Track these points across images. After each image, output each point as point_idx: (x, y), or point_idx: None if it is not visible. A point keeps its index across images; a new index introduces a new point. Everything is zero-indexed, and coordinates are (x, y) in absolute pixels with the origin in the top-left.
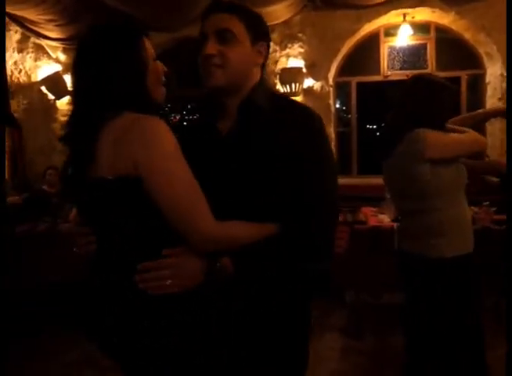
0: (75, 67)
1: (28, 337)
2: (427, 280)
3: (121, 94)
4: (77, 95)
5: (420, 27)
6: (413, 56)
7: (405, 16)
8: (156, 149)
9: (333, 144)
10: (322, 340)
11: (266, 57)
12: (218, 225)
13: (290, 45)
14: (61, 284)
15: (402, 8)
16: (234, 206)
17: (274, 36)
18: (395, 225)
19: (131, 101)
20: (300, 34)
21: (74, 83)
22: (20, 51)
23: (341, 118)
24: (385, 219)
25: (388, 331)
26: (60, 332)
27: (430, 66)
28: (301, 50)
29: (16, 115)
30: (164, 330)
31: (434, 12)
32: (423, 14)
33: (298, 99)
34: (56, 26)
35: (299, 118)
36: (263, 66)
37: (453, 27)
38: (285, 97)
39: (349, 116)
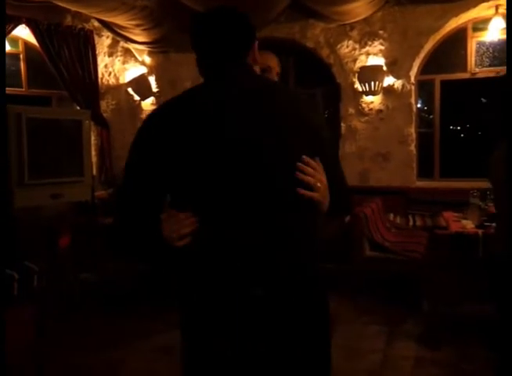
0: None
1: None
2: None
3: None
4: None
5: None
6: (505, 51)
7: (497, 8)
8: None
9: (413, 145)
10: (396, 348)
11: None
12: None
13: (370, 43)
14: (141, 274)
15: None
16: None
17: (353, 34)
18: (480, 231)
19: None
20: (381, 31)
21: None
22: (110, 55)
23: (423, 118)
24: (469, 225)
25: (466, 343)
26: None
27: None
28: (382, 47)
29: (104, 115)
30: None
31: None
32: None
33: (378, 97)
34: (143, 30)
35: None
36: None
37: None
38: None
39: (431, 116)
